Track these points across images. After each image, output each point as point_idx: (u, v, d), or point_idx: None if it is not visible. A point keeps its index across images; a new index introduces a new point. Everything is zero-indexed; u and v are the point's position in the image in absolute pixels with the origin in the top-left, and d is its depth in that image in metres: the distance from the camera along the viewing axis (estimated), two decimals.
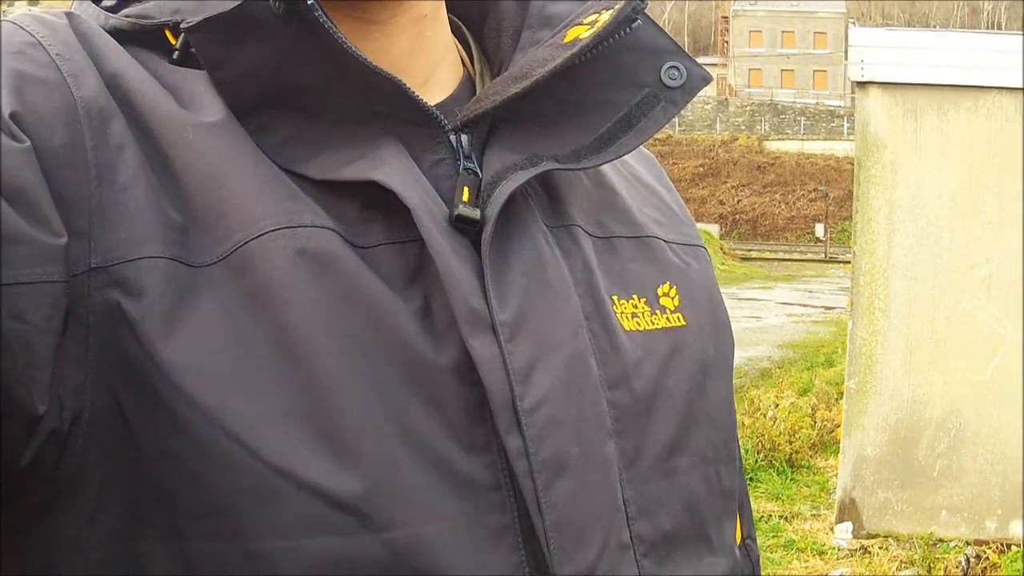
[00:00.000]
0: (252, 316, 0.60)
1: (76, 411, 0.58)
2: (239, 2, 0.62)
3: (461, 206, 0.65)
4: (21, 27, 0.65)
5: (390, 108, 0.67)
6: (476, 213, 0.66)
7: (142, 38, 0.68)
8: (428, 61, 0.75)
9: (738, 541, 0.82)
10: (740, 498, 0.84)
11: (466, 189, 0.67)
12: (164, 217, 0.61)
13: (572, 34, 0.72)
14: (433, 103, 0.72)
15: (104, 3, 0.71)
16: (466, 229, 0.66)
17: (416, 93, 0.67)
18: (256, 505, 0.58)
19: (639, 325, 0.73)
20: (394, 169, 0.65)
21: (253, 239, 0.61)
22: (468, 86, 0.78)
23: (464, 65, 0.79)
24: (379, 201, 0.64)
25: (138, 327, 0.58)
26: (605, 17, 0.70)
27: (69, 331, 0.57)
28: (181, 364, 0.58)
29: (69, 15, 0.68)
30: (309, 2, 0.61)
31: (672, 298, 0.77)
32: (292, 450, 0.58)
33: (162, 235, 0.60)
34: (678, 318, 0.76)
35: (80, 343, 0.58)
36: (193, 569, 0.59)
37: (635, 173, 0.86)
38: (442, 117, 0.69)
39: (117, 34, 0.68)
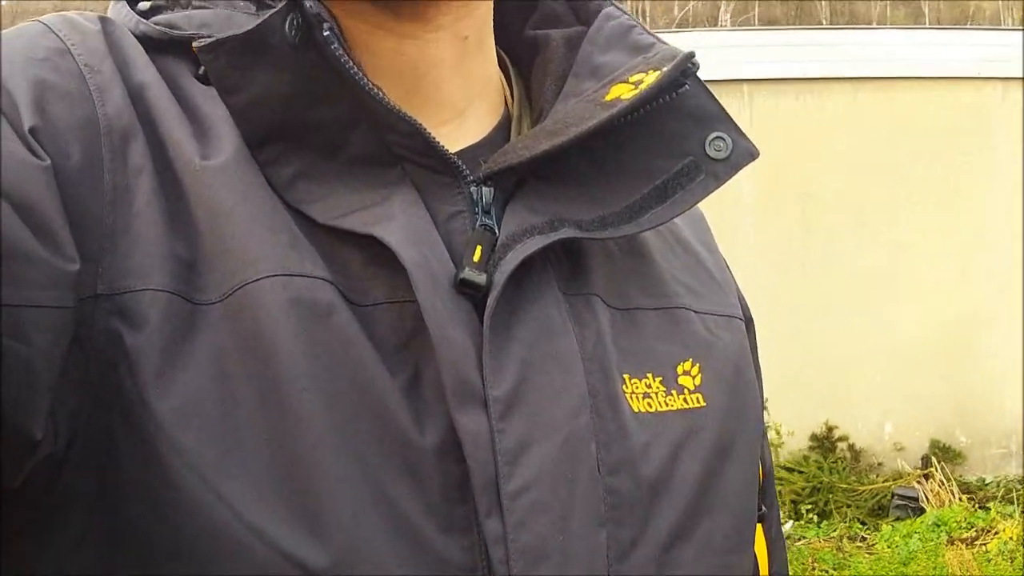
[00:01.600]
0: (243, 363, 0.58)
1: (70, 436, 0.56)
2: (251, 26, 0.60)
3: (467, 269, 0.62)
4: (51, 30, 0.63)
5: (408, 151, 0.64)
6: (482, 278, 0.62)
7: (170, 48, 0.66)
8: (468, 90, 0.70)
9: None
10: (779, 569, 0.81)
11: (479, 248, 0.63)
12: (171, 248, 0.59)
13: (615, 92, 0.67)
14: (466, 143, 0.69)
15: (140, 6, 0.69)
16: (471, 293, 0.62)
17: (435, 139, 0.63)
18: (226, 559, 0.56)
19: (651, 406, 0.69)
20: (399, 224, 0.61)
21: (250, 283, 0.59)
22: (504, 129, 0.73)
23: (507, 104, 0.75)
24: (383, 256, 0.61)
25: (134, 361, 0.56)
26: (651, 79, 0.66)
27: (71, 356, 0.56)
28: (170, 408, 0.56)
29: (103, 20, 0.65)
30: (326, 33, 0.58)
31: (693, 376, 0.72)
32: (266, 510, 0.56)
33: (168, 267, 0.58)
34: (697, 399, 0.71)
35: (80, 368, 0.56)
36: None
37: (676, 233, 0.81)
38: (463, 167, 0.65)
39: (146, 40, 0.66)
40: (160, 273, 0.58)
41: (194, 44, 0.62)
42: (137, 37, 0.66)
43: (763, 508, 0.78)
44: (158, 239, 0.59)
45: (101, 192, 0.58)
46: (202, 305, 0.58)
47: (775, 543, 0.81)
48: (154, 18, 0.67)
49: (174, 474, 0.56)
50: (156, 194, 0.60)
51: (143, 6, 0.69)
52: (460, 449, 0.59)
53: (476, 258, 0.62)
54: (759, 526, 0.76)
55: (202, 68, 0.64)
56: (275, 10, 0.59)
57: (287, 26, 0.59)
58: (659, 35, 0.73)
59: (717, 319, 0.77)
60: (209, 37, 0.62)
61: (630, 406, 0.67)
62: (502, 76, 0.76)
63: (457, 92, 0.70)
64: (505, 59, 0.77)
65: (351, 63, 0.60)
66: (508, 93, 0.76)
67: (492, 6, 0.72)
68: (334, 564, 0.56)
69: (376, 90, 0.60)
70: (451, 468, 0.60)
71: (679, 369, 0.72)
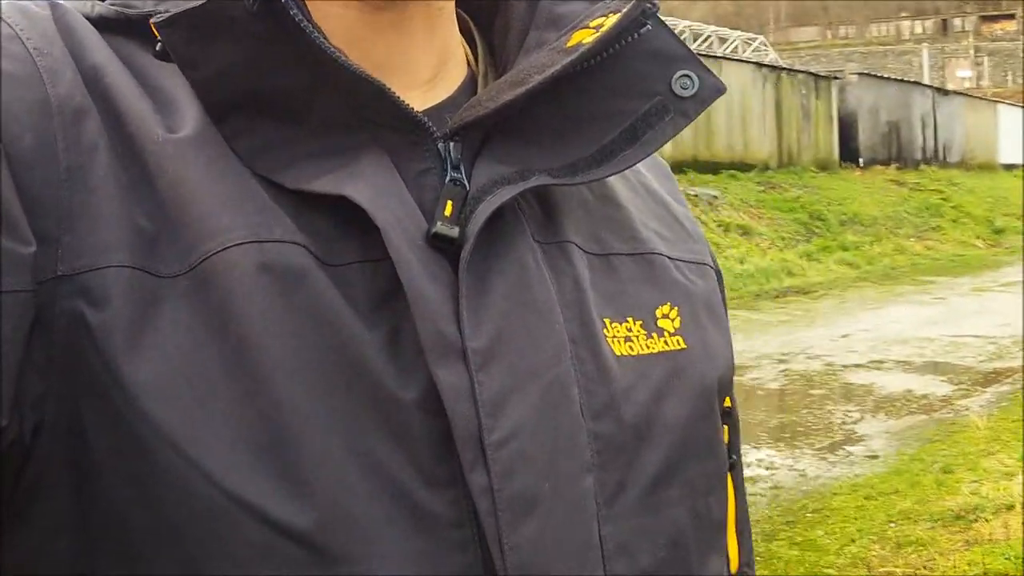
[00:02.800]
0: (213, 332, 0.57)
1: (36, 422, 0.56)
2: None
3: (439, 223, 0.62)
4: (1, 19, 0.62)
5: (373, 113, 0.64)
6: (455, 231, 0.62)
7: (127, 28, 0.65)
8: (438, 58, 0.71)
9: (734, 570, 0.78)
10: (740, 525, 0.80)
11: (450, 203, 0.63)
12: (133, 223, 0.58)
13: (577, 38, 0.68)
14: (433, 104, 0.69)
15: None
16: (445, 248, 0.62)
17: (399, 97, 0.63)
18: (209, 532, 0.56)
19: (632, 349, 0.69)
20: (369, 183, 0.61)
21: (218, 252, 0.58)
22: (470, 87, 0.74)
23: (469, 64, 0.76)
24: (354, 217, 0.61)
25: (100, 339, 0.56)
26: (611, 21, 0.66)
27: (34, 340, 0.55)
28: (140, 381, 0.56)
29: (53, 5, 0.65)
30: (283, 1, 0.58)
31: (672, 320, 0.73)
32: (246, 477, 0.56)
33: (129, 242, 0.58)
34: (678, 341, 0.72)
35: (44, 352, 0.56)
36: None
37: (645, 183, 0.82)
38: (429, 124, 0.65)
39: (102, 22, 0.65)
40: (121, 249, 0.57)
41: (152, 20, 0.62)
42: (94, 18, 0.66)
43: (732, 456, 0.79)
44: (118, 215, 0.58)
45: (56, 172, 0.57)
46: (167, 278, 0.58)
47: (739, 491, 0.82)
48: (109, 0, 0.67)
49: (149, 449, 0.56)
50: (113, 170, 0.59)
51: None
52: (441, 404, 0.59)
53: (447, 212, 0.63)
54: (728, 475, 0.77)
55: (159, 45, 0.64)
56: None
57: None
58: None
59: (690, 265, 0.78)
60: (167, 13, 0.62)
61: (612, 350, 0.68)
62: (462, 38, 0.76)
63: (427, 60, 0.70)
64: (466, 19, 0.77)
65: (311, 28, 0.59)
66: (470, 52, 0.77)
67: None
68: (320, 524, 0.56)
69: (338, 54, 0.60)
70: (433, 423, 0.60)
71: (658, 312, 0.72)
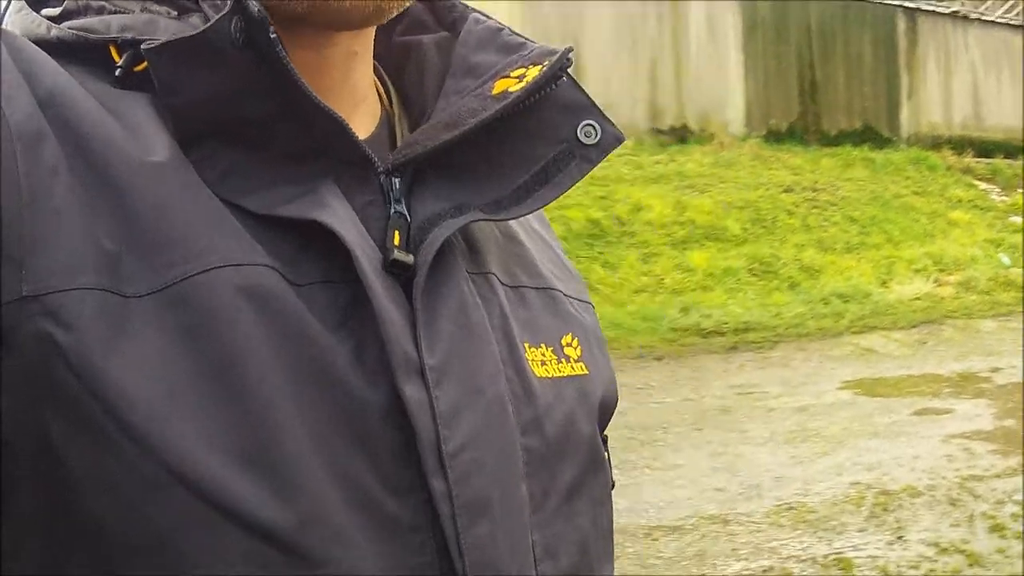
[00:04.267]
0: (190, 350, 0.60)
1: (4, 436, 0.58)
2: (200, 29, 0.63)
3: (396, 251, 0.67)
4: None
5: (328, 146, 0.69)
6: (410, 259, 0.68)
7: (83, 54, 0.67)
8: (352, 99, 0.76)
9: None
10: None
11: (397, 233, 0.69)
12: (97, 244, 0.60)
13: (500, 86, 0.75)
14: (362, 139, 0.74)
15: (45, 11, 0.71)
16: (397, 273, 0.67)
17: (355, 135, 0.69)
18: (192, 537, 0.59)
19: (548, 372, 0.76)
20: (334, 210, 0.66)
21: (196, 274, 0.61)
22: (386, 127, 0.79)
23: (383, 104, 0.81)
24: (316, 240, 0.66)
25: (72, 357, 0.58)
26: (534, 72, 0.74)
27: (0, 358, 0.57)
28: (119, 392, 0.58)
29: (3, 32, 0.66)
30: (272, 36, 0.62)
31: (575, 348, 0.81)
32: (229, 483, 0.59)
33: (94, 263, 0.60)
34: (581, 367, 0.80)
35: (10, 372, 0.57)
36: None
37: (533, 227, 0.90)
38: (376, 159, 0.71)
39: (61, 46, 0.68)
40: (86, 271, 0.59)
41: (143, 47, 0.65)
42: (51, 41, 0.68)
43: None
44: (82, 237, 0.60)
45: (18, 195, 0.59)
46: (133, 298, 0.60)
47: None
48: (68, 23, 0.69)
49: (132, 460, 0.58)
50: (75, 193, 0.61)
51: (50, 11, 0.71)
52: (401, 416, 0.64)
53: (396, 242, 0.68)
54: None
55: (118, 71, 0.67)
56: (222, 14, 0.63)
57: (232, 28, 0.63)
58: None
59: (580, 302, 0.86)
60: (144, 40, 0.66)
61: (533, 372, 0.75)
62: (377, 79, 0.82)
63: (346, 96, 0.75)
64: (377, 65, 0.82)
65: (292, 64, 0.64)
66: (384, 94, 0.82)
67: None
68: (303, 527, 0.60)
69: (310, 89, 0.65)
70: (395, 433, 0.64)
71: (563, 341, 0.80)
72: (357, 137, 0.69)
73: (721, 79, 17.00)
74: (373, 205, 0.70)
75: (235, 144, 0.67)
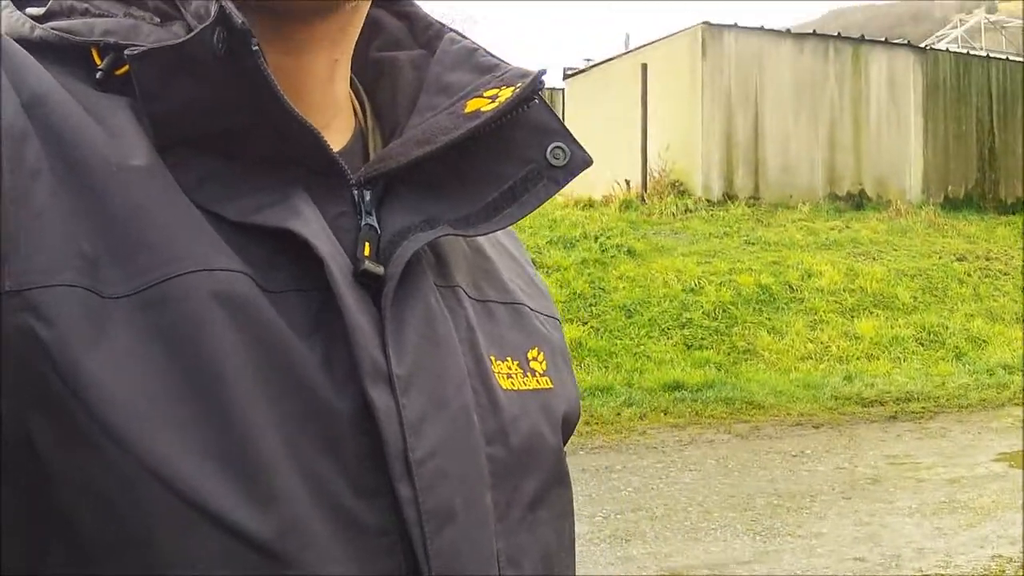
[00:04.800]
0: (166, 352, 0.60)
1: None
2: (182, 38, 0.65)
3: (366, 262, 0.68)
4: None
5: (303, 157, 0.70)
6: (380, 270, 0.68)
7: (65, 55, 0.68)
8: (333, 108, 0.77)
9: None
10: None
11: (367, 244, 0.69)
12: (76, 247, 0.60)
13: (473, 105, 0.76)
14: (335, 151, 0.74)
15: (30, 10, 0.71)
16: (367, 284, 0.68)
17: (330, 147, 0.70)
18: (168, 538, 0.58)
19: (514, 384, 0.77)
20: (307, 219, 0.67)
21: (172, 278, 0.62)
22: (360, 140, 0.80)
23: (357, 118, 0.82)
24: (289, 248, 0.66)
25: (54, 352, 0.58)
26: (507, 93, 0.75)
27: None
28: (98, 390, 0.58)
29: None
30: (255, 48, 0.63)
31: (540, 362, 0.82)
32: (206, 485, 0.59)
33: (75, 264, 0.60)
34: (546, 381, 0.81)
35: None
36: None
37: (502, 243, 0.90)
38: (348, 171, 0.72)
39: (44, 45, 0.68)
40: (67, 269, 0.60)
41: (126, 52, 0.66)
42: (33, 41, 0.68)
43: None
44: (62, 238, 0.60)
45: (0, 193, 0.58)
46: (111, 299, 0.60)
47: None
48: (51, 24, 0.70)
49: (109, 460, 0.58)
50: (56, 196, 0.61)
51: (34, 11, 0.71)
52: (369, 422, 0.65)
53: (367, 253, 0.69)
54: None
55: (99, 74, 0.67)
56: (205, 24, 0.64)
57: (215, 39, 0.63)
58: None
59: (547, 318, 0.88)
60: (126, 45, 0.67)
61: (499, 384, 0.76)
62: (352, 93, 0.83)
63: (324, 106, 0.76)
64: (354, 79, 0.83)
65: (272, 76, 0.64)
66: (359, 108, 0.83)
67: (357, 35, 0.79)
68: (278, 530, 0.61)
69: (287, 100, 0.66)
70: (362, 439, 0.65)
71: (529, 355, 0.81)
72: (331, 150, 0.70)
73: (901, 142, 16.65)
74: (344, 216, 0.71)
75: (212, 151, 0.68)
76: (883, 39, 17.49)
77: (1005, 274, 14.12)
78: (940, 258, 14.18)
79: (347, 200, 0.72)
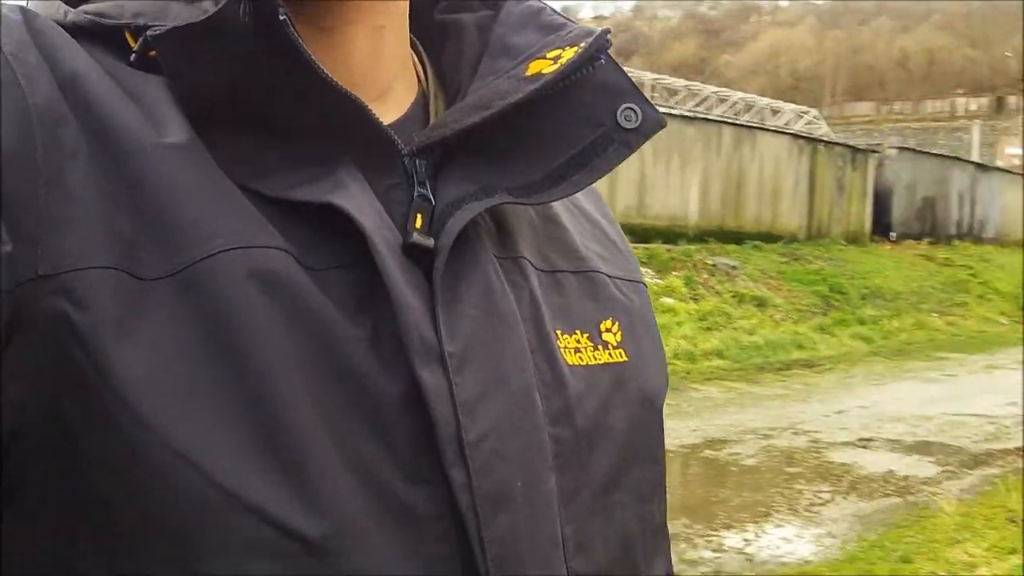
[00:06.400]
0: (201, 334, 0.58)
1: (15, 427, 0.57)
2: (208, 14, 0.62)
3: (415, 234, 0.66)
4: None
5: (348, 128, 0.67)
6: (430, 242, 0.66)
7: (100, 37, 0.67)
8: (386, 74, 0.74)
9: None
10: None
11: (419, 216, 0.67)
12: (113, 228, 0.59)
13: (534, 67, 0.72)
14: (388, 120, 0.72)
15: None
16: (418, 257, 0.66)
17: (376, 116, 0.67)
18: (201, 526, 0.57)
19: (582, 360, 0.74)
20: (351, 193, 0.64)
21: (206, 258, 0.60)
22: (422, 106, 0.77)
23: (420, 83, 0.79)
24: (332, 224, 0.64)
25: (86, 337, 0.56)
26: (569, 54, 0.71)
27: (14, 342, 0.56)
28: (130, 377, 0.56)
29: (24, 11, 0.65)
30: (282, 18, 0.60)
31: (615, 333, 0.78)
32: (242, 473, 0.57)
33: (111, 246, 0.59)
34: (620, 353, 0.77)
35: (24, 353, 0.56)
36: None
37: (580, 206, 0.87)
38: (399, 141, 0.69)
39: (75, 30, 0.66)
40: (103, 252, 0.58)
41: (148, 33, 0.64)
42: (67, 26, 0.67)
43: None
44: (98, 219, 0.59)
45: (36, 175, 0.58)
46: (148, 280, 0.59)
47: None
48: (82, 7, 0.68)
49: (142, 446, 0.56)
50: (92, 176, 0.60)
51: None
52: (420, 403, 0.62)
53: (418, 225, 0.66)
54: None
55: (134, 56, 0.66)
56: None
57: (241, 13, 0.61)
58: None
59: (626, 283, 0.83)
60: (154, 26, 0.64)
61: (565, 360, 0.72)
62: (415, 57, 0.80)
63: (376, 76, 0.73)
64: (416, 42, 0.81)
65: (304, 45, 0.62)
66: (422, 73, 0.80)
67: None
68: (314, 517, 0.58)
69: (326, 72, 0.63)
70: (412, 422, 0.62)
71: (602, 327, 0.77)
72: (377, 119, 0.67)
73: None
74: (397, 188, 0.69)
75: (251, 128, 0.66)
76: None
77: None
78: None
79: (400, 171, 0.69)
